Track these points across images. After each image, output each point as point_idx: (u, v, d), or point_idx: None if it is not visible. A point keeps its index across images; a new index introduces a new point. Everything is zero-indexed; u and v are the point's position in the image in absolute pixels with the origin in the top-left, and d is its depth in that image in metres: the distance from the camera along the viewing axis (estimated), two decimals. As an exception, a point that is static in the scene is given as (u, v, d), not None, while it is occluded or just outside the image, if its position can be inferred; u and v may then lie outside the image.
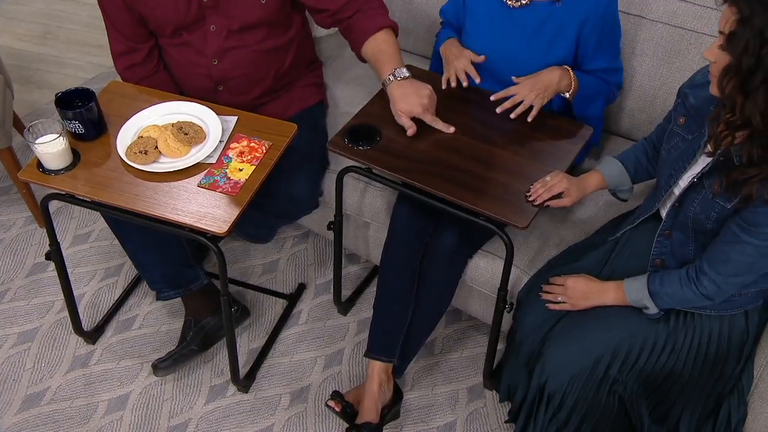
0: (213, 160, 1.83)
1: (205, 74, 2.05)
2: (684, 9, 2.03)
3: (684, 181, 1.60)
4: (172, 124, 1.87)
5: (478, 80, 1.96)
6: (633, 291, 1.67)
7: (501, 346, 2.12)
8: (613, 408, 1.74)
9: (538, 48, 1.95)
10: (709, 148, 1.53)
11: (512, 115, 1.91)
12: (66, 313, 2.25)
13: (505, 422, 2.11)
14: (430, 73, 2.14)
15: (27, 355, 2.26)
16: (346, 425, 2.01)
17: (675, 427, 1.76)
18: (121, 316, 2.37)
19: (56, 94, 1.85)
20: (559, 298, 1.76)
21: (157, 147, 1.83)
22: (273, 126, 1.92)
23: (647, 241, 1.71)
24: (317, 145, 2.13)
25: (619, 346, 1.67)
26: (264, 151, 1.85)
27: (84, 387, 2.19)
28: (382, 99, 1.95)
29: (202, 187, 1.77)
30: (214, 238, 1.75)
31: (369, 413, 1.98)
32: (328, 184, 2.16)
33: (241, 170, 1.81)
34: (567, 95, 1.94)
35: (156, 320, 2.36)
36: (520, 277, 1.94)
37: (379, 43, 1.95)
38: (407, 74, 1.90)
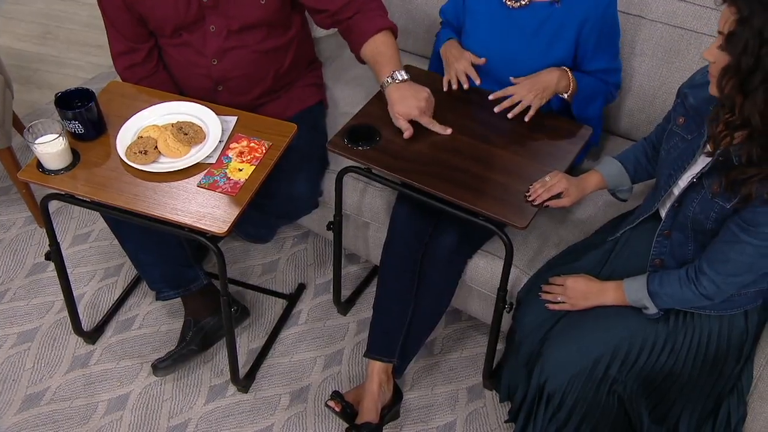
0: (213, 160, 1.83)
1: (205, 74, 2.05)
2: (683, 9, 2.03)
3: (683, 181, 1.60)
4: (172, 124, 1.88)
5: (478, 82, 1.96)
6: (632, 291, 1.67)
7: (501, 346, 2.12)
8: (612, 408, 1.74)
9: (537, 48, 1.95)
10: (708, 148, 1.53)
11: (510, 115, 1.91)
12: (66, 313, 2.25)
13: (505, 422, 2.11)
14: (430, 73, 2.14)
15: (27, 355, 2.26)
16: (345, 425, 2.01)
17: (675, 426, 1.76)
18: (120, 316, 2.37)
19: (56, 94, 1.85)
20: (559, 298, 1.76)
21: (156, 147, 1.83)
22: (273, 126, 1.92)
23: (647, 241, 1.71)
24: (317, 145, 2.13)
25: (619, 346, 1.67)
26: (264, 151, 1.85)
27: (84, 387, 2.19)
28: (381, 99, 1.95)
29: (201, 187, 1.77)
30: (214, 238, 1.75)
31: (369, 413, 1.98)
32: (328, 184, 2.16)
33: (240, 170, 1.81)
34: (566, 96, 1.94)
35: (156, 320, 2.36)
36: (519, 277, 1.94)
37: (378, 45, 1.95)
38: (406, 77, 1.90)
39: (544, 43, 1.94)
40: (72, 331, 2.27)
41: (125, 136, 1.86)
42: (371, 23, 1.97)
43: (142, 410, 2.14)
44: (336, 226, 2.13)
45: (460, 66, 1.97)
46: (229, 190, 1.77)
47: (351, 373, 2.24)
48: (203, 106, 1.93)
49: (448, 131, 1.87)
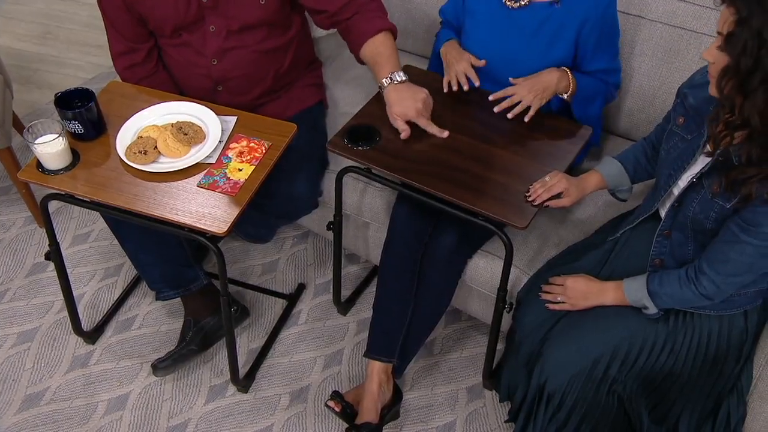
0: (212, 160, 1.83)
1: (205, 74, 2.05)
2: (683, 9, 2.03)
3: (683, 181, 1.60)
4: (172, 124, 1.88)
5: (477, 83, 1.96)
6: (632, 291, 1.67)
7: (500, 346, 2.12)
8: (612, 408, 1.74)
9: (537, 49, 1.95)
10: (708, 148, 1.53)
11: (510, 115, 1.91)
12: (65, 313, 2.25)
13: (505, 422, 2.11)
14: (429, 72, 2.14)
15: (26, 355, 2.26)
16: (345, 425, 2.01)
17: (674, 426, 1.77)
18: (120, 316, 2.37)
19: (56, 94, 1.85)
20: (559, 298, 1.76)
21: (156, 147, 1.83)
22: (272, 126, 1.92)
23: (646, 241, 1.72)
24: (317, 146, 2.13)
25: (619, 346, 1.67)
26: (263, 151, 1.85)
27: (83, 387, 2.19)
28: (381, 99, 1.95)
29: (201, 187, 1.77)
30: (214, 238, 1.75)
31: (368, 413, 1.98)
32: (328, 184, 2.16)
33: (240, 170, 1.81)
34: (565, 96, 1.94)
35: (155, 320, 2.36)
36: (519, 277, 1.94)
37: (377, 46, 1.95)
38: (404, 78, 1.90)
39: (544, 44, 1.94)
40: (72, 331, 2.27)
41: (125, 136, 1.86)
42: (370, 24, 1.97)
43: (141, 410, 2.14)
44: (336, 226, 2.13)
45: (460, 67, 1.97)
46: (229, 190, 1.77)
47: (351, 373, 2.24)
48: (203, 106, 1.93)
49: (445, 134, 1.87)
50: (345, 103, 2.32)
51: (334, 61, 2.49)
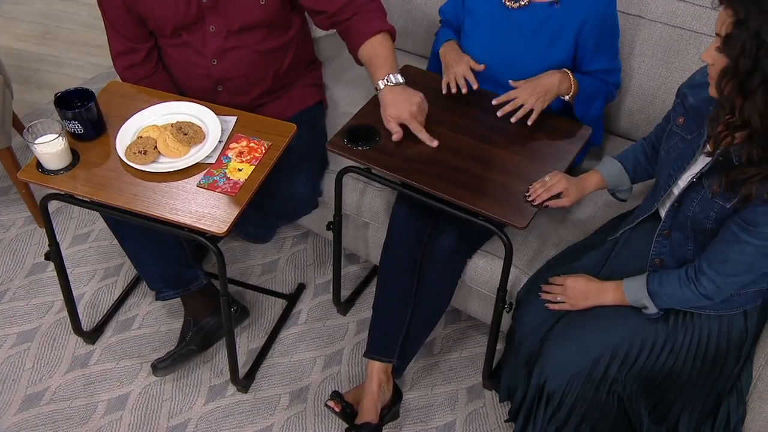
0: (212, 160, 1.83)
1: (205, 75, 2.05)
2: (683, 9, 2.03)
3: (683, 181, 1.60)
4: (172, 125, 1.88)
5: (475, 86, 1.96)
6: (632, 291, 1.67)
7: (500, 346, 2.12)
8: (612, 408, 1.74)
9: (537, 49, 1.95)
10: (708, 147, 1.53)
11: (513, 119, 1.91)
12: (65, 313, 2.25)
13: (505, 422, 2.11)
14: (429, 72, 2.14)
15: (26, 355, 2.26)
16: (345, 425, 2.01)
17: (674, 426, 1.77)
18: (120, 316, 2.37)
19: (55, 94, 1.85)
20: (559, 298, 1.76)
21: (156, 147, 1.83)
22: (272, 126, 1.93)
23: (646, 241, 1.72)
24: (316, 146, 2.13)
25: (619, 345, 1.67)
26: (263, 151, 1.85)
27: (83, 387, 2.19)
28: (380, 99, 1.96)
29: (201, 187, 1.78)
30: (214, 238, 1.75)
31: (368, 413, 1.98)
32: (328, 184, 2.16)
33: (240, 170, 1.81)
34: (567, 98, 1.94)
35: (155, 320, 2.36)
36: (519, 277, 1.94)
37: (375, 47, 1.95)
38: (401, 80, 1.90)
39: (544, 44, 1.94)
40: (72, 331, 2.27)
41: (125, 136, 1.86)
42: (369, 25, 1.97)
43: (141, 410, 2.14)
44: (336, 226, 2.13)
45: (459, 70, 1.97)
46: (229, 190, 1.77)
47: (351, 373, 2.24)
48: (203, 106, 1.93)
49: (435, 143, 1.85)
50: (345, 103, 2.32)
51: (334, 61, 2.49)
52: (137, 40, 2.03)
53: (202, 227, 1.70)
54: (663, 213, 1.69)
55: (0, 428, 2.09)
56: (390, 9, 2.21)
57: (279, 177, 1.97)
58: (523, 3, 1.94)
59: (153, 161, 1.81)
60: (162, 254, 2.10)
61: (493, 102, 1.93)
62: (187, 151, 1.84)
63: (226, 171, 1.81)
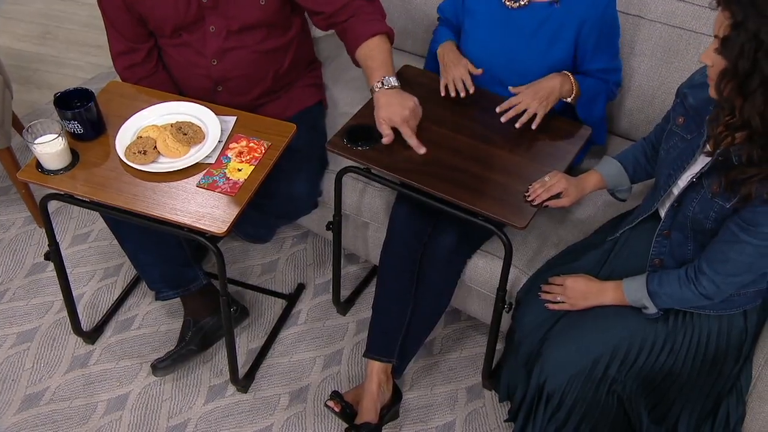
0: (212, 160, 1.83)
1: (205, 75, 2.05)
2: (682, 9, 2.03)
3: (683, 181, 1.60)
4: (171, 125, 1.88)
5: (471, 90, 1.96)
6: (632, 291, 1.67)
7: (500, 346, 2.12)
8: (612, 408, 1.74)
9: (537, 49, 1.95)
10: (708, 147, 1.53)
11: (517, 125, 1.90)
12: (65, 314, 2.25)
13: (504, 422, 2.11)
14: (428, 73, 2.13)
15: (26, 356, 2.26)
16: (345, 425, 2.01)
17: (674, 426, 1.77)
18: (120, 316, 2.37)
19: (55, 95, 1.85)
20: (558, 298, 1.76)
21: (156, 147, 1.83)
22: (272, 126, 1.92)
23: (646, 241, 1.72)
24: (316, 146, 2.13)
25: (618, 345, 1.67)
26: (263, 151, 1.85)
27: (83, 387, 2.19)
28: (380, 100, 1.95)
29: (201, 187, 1.77)
30: (213, 238, 1.75)
31: (368, 413, 1.98)
32: (327, 184, 2.16)
33: (240, 170, 1.81)
34: (569, 100, 1.94)
35: (155, 320, 2.36)
36: (519, 277, 1.94)
37: (371, 49, 1.95)
38: (396, 84, 1.89)
39: (544, 44, 1.95)
40: (71, 331, 2.27)
41: (124, 136, 1.86)
42: (367, 27, 1.96)
43: (141, 410, 2.14)
44: (335, 226, 2.13)
45: (457, 73, 1.97)
46: (228, 190, 1.77)
47: (350, 373, 2.24)
48: (202, 106, 1.93)
49: (422, 150, 1.84)
50: (344, 104, 2.32)
51: (334, 62, 2.49)
52: (137, 40, 2.03)
53: (201, 227, 1.70)
54: (663, 213, 1.69)
55: (0, 428, 2.09)
56: (389, 9, 2.21)
57: (279, 177, 1.97)
58: (522, 3, 1.94)
59: (153, 161, 1.81)
60: (162, 254, 2.10)
61: (497, 109, 1.93)
62: (186, 151, 1.84)
63: (226, 171, 1.81)
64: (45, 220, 1.99)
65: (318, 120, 2.24)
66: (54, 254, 2.04)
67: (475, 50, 2.01)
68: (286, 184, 2.04)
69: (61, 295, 2.17)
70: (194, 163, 1.81)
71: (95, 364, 2.25)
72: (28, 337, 2.31)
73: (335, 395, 2.01)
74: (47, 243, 2.02)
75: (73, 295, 2.19)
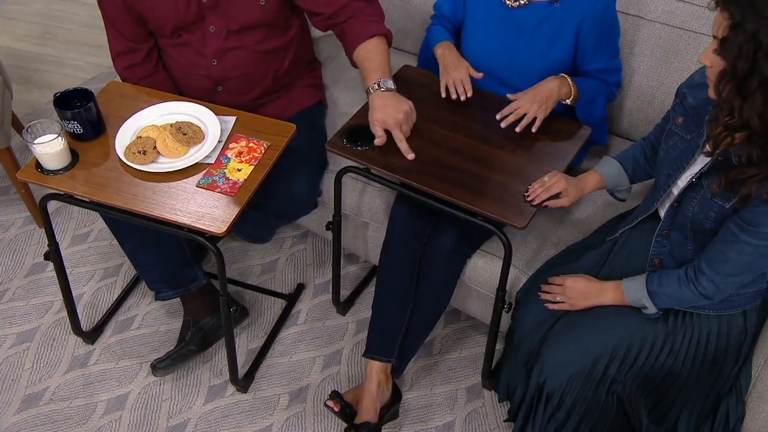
0: (211, 161, 1.83)
1: (205, 75, 2.05)
2: (682, 9, 2.03)
3: (682, 181, 1.60)
4: (171, 125, 1.88)
5: (470, 94, 1.96)
6: (632, 291, 1.67)
7: (500, 346, 2.12)
8: (611, 408, 1.74)
9: (537, 48, 1.95)
10: (707, 147, 1.53)
11: (518, 129, 1.90)
12: (65, 314, 2.25)
13: (504, 422, 2.11)
14: (427, 73, 2.13)
15: (26, 356, 2.26)
16: (344, 425, 2.01)
17: (673, 426, 1.77)
18: (119, 316, 2.37)
19: (55, 95, 1.85)
20: (558, 298, 1.76)
21: (155, 147, 1.83)
22: (271, 126, 1.92)
23: (646, 241, 1.72)
24: (316, 146, 2.13)
25: (618, 345, 1.67)
26: (263, 152, 1.85)
27: (83, 387, 2.19)
28: (380, 100, 1.95)
29: (200, 187, 1.78)
30: (213, 238, 1.75)
31: (368, 413, 1.98)
32: (327, 184, 2.16)
33: (239, 170, 1.81)
34: (568, 102, 1.94)
35: (155, 320, 2.36)
36: (518, 277, 1.94)
37: (369, 51, 1.94)
38: (392, 86, 1.89)
39: (544, 43, 1.95)
40: (71, 331, 2.27)
41: (124, 136, 1.86)
42: (365, 28, 1.96)
43: (141, 410, 2.14)
44: (335, 226, 2.13)
45: (457, 76, 1.97)
46: (228, 190, 1.77)
47: (350, 373, 2.24)
48: (202, 106, 1.93)
49: (411, 156, 1.84)
50: (344, 104, 2.32)
51: (334, 62, 2.49)
52: (137, 40, 2.03)
53: (201, 227, 1.70)
54: (662, 213, 1.69)
55: (0, 428, 2.09)
56: (389, 9, 2.21)
57: (278, 177, 1.97)
58: (522, 2, 1.94)
59: (152, 161, 1.81)
60: (161, 254, 2.10)
61: (498, 116, 1.93)
62: (186, 151, 1.84)
63: (226, 171, 1.81)
64: (45, 220, 1.99)
65: (318, 120, 2.24)
66: (54, 254, 2.04)
67: (475, 49, 2.02)
68: (285, 184, 2.04)
69: (61, 295, 2.17)
70: (194, 163, 1.81)
71: (95, 364, 2.25)
72: (27, 337, 2.31)
73: (335, 395, 2.01)
74: (47, 243, 2.02)
75: (73, 295, 2.19)
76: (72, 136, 1.86)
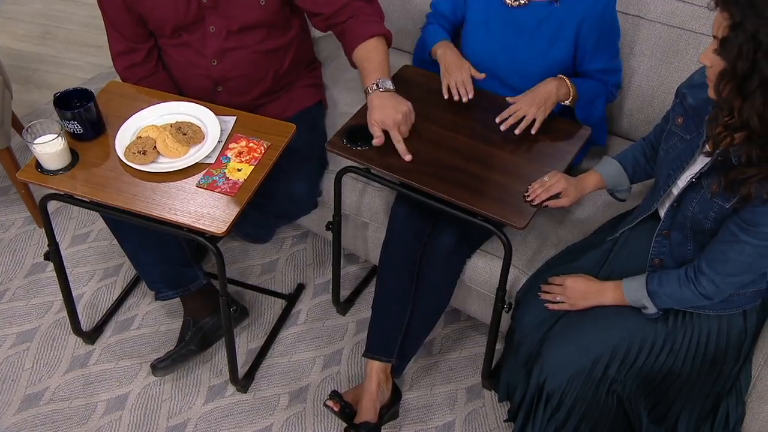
0: (211, 161, 1.83)
1: (205, 75, 2.05)
2: (682, 9, 2.03)
3: (682, 181, 1.60)
4: (171, 125, 1.88)
5: (471, 95, 1.96)
6: (632, 291, 1.67)
7: (500, 346, 2.12)
8: (611, 408, 1.74)
9: (537, 47, 1.96)
10: (707, 148, 1.53)
11: (517, 131, 1.90)
12: (65, 314, 2.25)
13: (504, 422, 2.12)
14: (426, 72, 2.13)
15: (26, 356, 2.26)
16: (344, 425, 2.01)
17: (673, 426, 1.77)
18: (119, 317, 2.37)
19: (55, 95, 1.85)
20: (558, 298, 1.76)
21: (155, 147, 1.83)
22: (271, 126, 1.93)
23: (646, 241, 1.72)
24: (316, 146, 2.13)
25: (618, 345, 1.67)
26: (262, 152, 1.85)
27: (83, 387, 2.19)
28: (380, 100, 1.95)
29: (200, 188, 1.78)
30: (213, 238, 1.75)
31: (367, 413, 1.98)
32: (327, 184, 2.16)
33: (239, 170, 1.81)
34: (567, 103, 1.94)
35: (155, 320, 2.36)
36: (518, 277, 1.94)
37: (368, 51, 1.94)
38: (390, 87, 1.89)
39: (544, 42, 1.95)
40: (71, 331, 2.27)
41: (124, 137, 1.86)
42: (364, 28, 1.96)
43: (141, 410, 2.14)
44: (335, 226, 2.13)
45: (459, 77, 1.97)
46: (228, 190, 1.77)
47: (350, 373, 2.24)
48: (202, 106, 1.93)
49: (408, 157, 1.83)
50: (344, 104, 2.32)
51: (334, 62, 2.49)
52: (137, 40, 2.03)
53: (201, 227, 1.70)
54: (662, 213, 1.69)
55: (0, 428, 2.09)
56: (389, 9, 2.21)
57: (278, 177, 1.97)
58: (523, 1, 1.94)
59: (152, 161, 1.81)
60: (161, 254, 2.10)
61: (497, 119, 1.92)
62: (186, 151, 1.84)
63: (226, 171, 1.81)
64: (45, 220, 1.99)
65: (318, 120, 2.24)
66: (54, 254, 2.04)
67: (475, 48, 2.02)
68: (285, 184, 2.04)
69: (61, 295, 2.17)
70: (194, 163, 1.81)
71: (95, 364, 2.25)
72: (27, 337, 2.31)
73: (335, 395, 2.01)
74: (47, 243, 2.02)
75: (73, 295, 2.19)
76: (72, 136, 1.86)
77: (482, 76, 1.98)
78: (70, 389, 2.18)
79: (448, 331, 2.35)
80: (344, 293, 2.40)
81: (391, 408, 2.06)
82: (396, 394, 2.08)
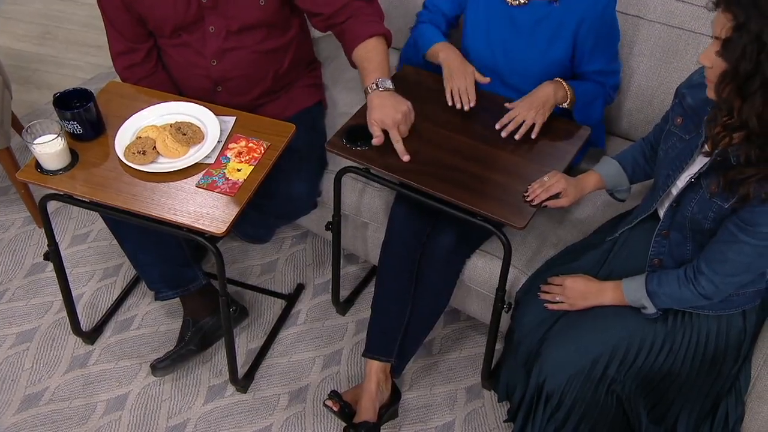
0: (211, 161, 1.83)
1: (204, 75, 2.05)
2: (682, 9, 2.03)
3: (681, 181, 1.60)
4: (171, 125, 1.88)
5: (473, 104, 1.95)
6: (631, 291, 1.67)
7: (499, 346, 2.12)
8: (611, 408, 1.74)
9: (536, 47, 1.96)
10: (706, 148, 1.53)
11: (517, 136, 1.89)
12: (64, 314, 2.25)
13: (504, 422, 2.12)
14: (425, 72, 2.12)
15: (25, 356, 2.26)
16: (344, 425, 2.01)
17: (673, 426, 1.77)
18: (119, 317, 2.37)
19: (54, 95, 1.85)
20: (558, 298, 1.76)
21: (155, 147, 1.83)
22: (271, 126, 1.93)
23: (645, 241, 1.72)
24: (316, 146, 2.13)
25: (617, 345, 1.67)
26: (262, 152, 1.85)
27: (82, 387, 2.19)
28: (379, 100, 1.95)
29: (200, 188, 1.78)
30: (213, 238, 1.75)
31: (367, 413, 1.98)
32: (327, 184, 2.16)
33: (239, 170, 1.81)
34: (565, 105, 1.94)
35: (154, 320, 2.36)
36: (518, 277, 1.94)
37: (368, 51, 1.94)
38: (390, 86, 1.89)
39: (543, 42, 1.95)
40: (71, 332, 2.27)
41: (124, 137, 1.86)
42: (364, 28, 1.96)
43: (140, 410, 2.14)
44: (335, 226, 2.13)
45: (462, 84, 1.95)
46: (228, 190, 1.77)
47: (350, 373, 2.24)
48: (202, 107, 1.93)
49: (406, 158, 1.83)
50: (344, 104, 2.32)
51: (334, 62, 2.49)
52: (137, 40, 2.03)
53: (200, 227, 1.70)
54: (662, 213, 1.69)
55: (-1, 428, 2.09)
56: (388, 9, 2.21)
57: (278, 177, 1.97)
58: (522, 0, 1.94)
59: (152, 161, 1.81)
60: (161, 254, 2.10)
61: (497, 126, 1.92)
62: (186, 152, 1.84)
63: (225, 171, 1.81)
64: (44, 221, 1.99)
65: (317, 120, 2.24)
66: (53, 254, 2.04)
67: (476, 46, 2.01)
68: (285, 184, 2.04)
69: (61, 295, 2.17)
70: (193, 163, 1.81)
71: (95, 364, 2.25)
72: (27, 337, 2.31)
73: (334, 395, 2.01)
74: (47, 243, 2.02)
75: (73, 295, 2.19)
76: (72, 137, 1.86)
77: (487, 80, 1.96)
78: (69, 389, 2.18)
79: (447, 331, 2.35)
80: (344, 293, 2.40)
81: (390, 408, 2.06)
82: (395, 394, 2.09)
